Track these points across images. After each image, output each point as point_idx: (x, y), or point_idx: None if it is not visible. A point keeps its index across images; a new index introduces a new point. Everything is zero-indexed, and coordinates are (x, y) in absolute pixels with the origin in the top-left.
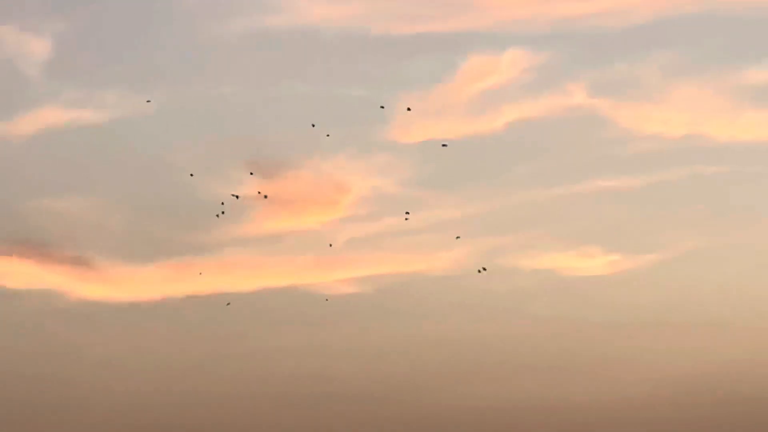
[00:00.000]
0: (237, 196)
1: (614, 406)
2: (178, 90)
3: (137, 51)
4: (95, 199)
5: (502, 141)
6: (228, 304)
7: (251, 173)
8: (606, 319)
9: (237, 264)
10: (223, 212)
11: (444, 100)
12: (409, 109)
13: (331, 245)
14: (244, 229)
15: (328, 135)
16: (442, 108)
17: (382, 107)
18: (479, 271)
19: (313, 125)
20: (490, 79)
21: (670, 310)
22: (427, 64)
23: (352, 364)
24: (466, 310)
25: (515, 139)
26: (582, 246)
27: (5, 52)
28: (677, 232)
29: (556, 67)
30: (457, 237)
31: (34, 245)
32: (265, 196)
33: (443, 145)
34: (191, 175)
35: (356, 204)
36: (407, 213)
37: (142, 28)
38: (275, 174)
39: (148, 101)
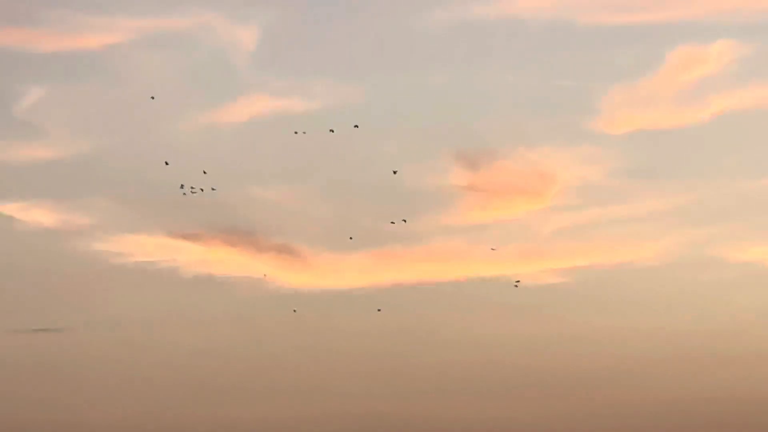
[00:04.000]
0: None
1: None
2: (386, 80)
3: (345, 41)
4: (302, 188)
5: (710, 132)
6: (294, 310)
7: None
8: None
9: (442, 253)
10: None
11: (651, 90)
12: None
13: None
14: (449, 218)
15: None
16: (649, 98)
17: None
18: (515, 285)
19: None
20: (699, 69)
21: None
22: (634, 55)
23: (556, 354)
24: (670, 301)
25: (722, 130)
26: None
27: (214, 41)
28: None
29: (766, 58)
30: (492, 248)
31: (241, 233)
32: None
33: (303, 132)
34: (394, 172)
35: (562, 194)
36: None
37: (350, 18)
38: (481, 164)
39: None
